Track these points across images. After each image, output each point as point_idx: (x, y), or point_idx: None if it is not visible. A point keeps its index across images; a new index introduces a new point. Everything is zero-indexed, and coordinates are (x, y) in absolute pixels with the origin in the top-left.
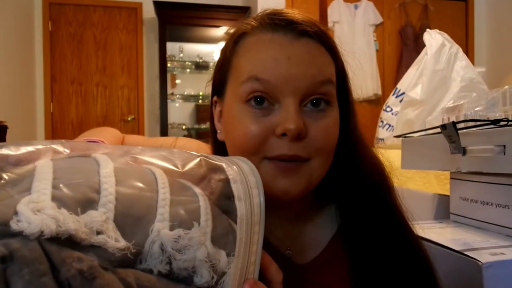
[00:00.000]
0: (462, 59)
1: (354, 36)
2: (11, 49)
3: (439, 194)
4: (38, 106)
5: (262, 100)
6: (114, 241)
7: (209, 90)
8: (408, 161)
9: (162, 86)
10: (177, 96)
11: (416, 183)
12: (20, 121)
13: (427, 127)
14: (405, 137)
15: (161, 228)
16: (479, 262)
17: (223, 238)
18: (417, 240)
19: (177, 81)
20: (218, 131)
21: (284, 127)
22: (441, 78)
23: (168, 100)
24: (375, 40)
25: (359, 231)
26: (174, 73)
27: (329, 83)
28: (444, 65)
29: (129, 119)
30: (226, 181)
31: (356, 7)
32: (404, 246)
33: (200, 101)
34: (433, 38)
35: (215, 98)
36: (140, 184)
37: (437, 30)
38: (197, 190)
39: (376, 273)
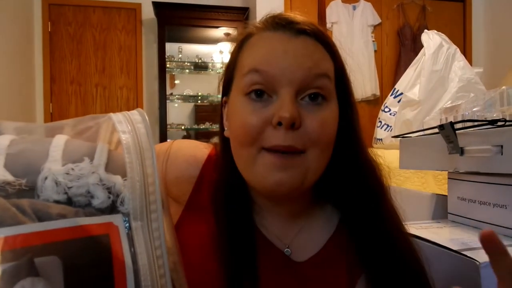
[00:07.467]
0: (460, 60)
1: (353, 36)
2: (11, 50)
3: (437, 194)
4: (37, 106)
5: (261, 93)
6: (1, 176)
7: (208, 90)
8: (406, 161)
9: (161, 87)
10: (176, 96)
11: (414, 183)
12: (19, 121)
13: (425, 127)
14: (403, 137)
15: (52, 166)
16: (476, 262)
17: (118, 167)
18: (408, 238)
19: (176, 82)
20: (226, 129)
21: (279, 115)
22: (439, 79)
23: (167, 101)
24: (373, 41)
25: (356, 231)
26: (173, 73)
27: (325, 76)
28: (442, 65)
29: None
30: (113, 124)
31: (354, 8)
32: (395, 244)
33: (199, 101)
34: (431, 39)
35: (224, 98)
36: (35, 138)
37: (435, 31)
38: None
39: (372, 269)
